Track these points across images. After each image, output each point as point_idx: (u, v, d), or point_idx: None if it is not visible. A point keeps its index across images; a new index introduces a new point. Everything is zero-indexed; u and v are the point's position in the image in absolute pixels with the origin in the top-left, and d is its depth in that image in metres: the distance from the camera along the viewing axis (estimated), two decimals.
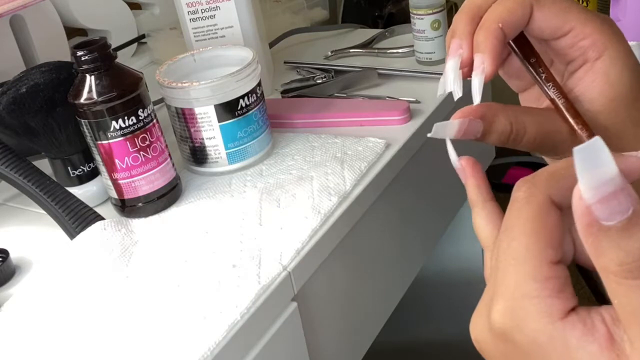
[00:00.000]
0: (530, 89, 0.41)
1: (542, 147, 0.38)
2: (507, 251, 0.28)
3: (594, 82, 0.36)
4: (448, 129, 0.35)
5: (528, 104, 0.41)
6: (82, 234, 0.58)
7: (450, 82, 0.36)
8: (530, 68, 0.37)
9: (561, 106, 0.36)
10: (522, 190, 0.28)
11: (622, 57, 0.35)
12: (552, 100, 0.37)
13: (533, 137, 0.36)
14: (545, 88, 0.37)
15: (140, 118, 0.58)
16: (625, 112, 0.36)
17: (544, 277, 0.27)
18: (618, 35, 0.36)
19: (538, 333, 0.26)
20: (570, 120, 0.36)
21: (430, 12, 0.81)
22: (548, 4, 0.35)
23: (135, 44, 1.02)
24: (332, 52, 0.91)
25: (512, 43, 0.37)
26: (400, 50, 0.89)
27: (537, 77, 0.37)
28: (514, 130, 0.36)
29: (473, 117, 0.35)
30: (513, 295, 0.27)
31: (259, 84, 0.65)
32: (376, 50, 0.91)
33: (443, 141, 0.38)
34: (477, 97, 0.35)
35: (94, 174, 0.65)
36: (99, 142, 0.58)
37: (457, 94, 0.36)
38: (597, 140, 0.23)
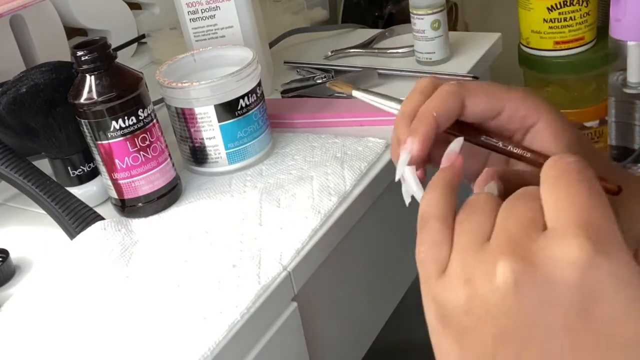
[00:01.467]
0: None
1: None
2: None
3: (544, 139, 0.39)
4: None
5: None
6: (82, 234, 0.58)
7: (414, 187, 0.39)
8: (485, 142, 0.40)
9: (532, 157, 0.38)
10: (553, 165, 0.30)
11: (554, 112, 0.39)
12: (520, 158, 0.39)
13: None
14: (509, 150, 0.39)
15: (140, 118, 0.58)
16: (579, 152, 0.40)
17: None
18: (540, 99, 0.40)
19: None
20: (534, 158, 0.38)
21: (430, 12, 0.81)
22: (476, 92, 0.39)
23: (135, 44, 1.02)
24: (332, 52, 0.91)
25: (455, 133, 0.40)
26: (400, 50, 0.89)
27: (496, 146, 0.40)
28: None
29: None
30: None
31: (259, 84, 0.65)
32: (376, 50, 0.91)
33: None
34: (400, 170, 0.39)
35: (94, 174, 0.65)
36: (99, 142, 0.58)
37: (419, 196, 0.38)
38: None
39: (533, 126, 0.39)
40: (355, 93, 0.48)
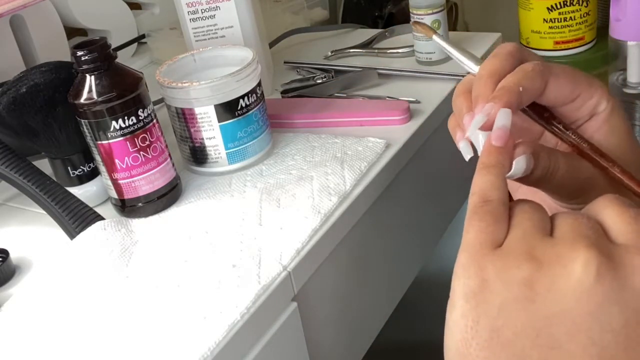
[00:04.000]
0: None
1: (565, 188, 0.39)
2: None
3: (599, 130, 0.39)
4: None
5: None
6: (82, 234, 0.58)
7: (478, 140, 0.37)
8: (546, 123, 0.40)
9: (586, 150, 0.39)
10: None
11: (617, 108, 0.40)
12: (575, 146, 0.39)
13: (563, 174, 0.38)
14: (566, 135, 0.39)
15: (140, 118, 0.58)
16: (629, 153, 0.40)
17: None
18: (607, 91, 0.40)
19: None
20: (599, 159, 0.38)
21: (430, 12, 0.81)
22: (561, 75, 0.38)
23: (135, 44, 1.02)
24: (332, 52, 0.91)
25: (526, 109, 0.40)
26: (400, 50, 0.89)
27: (556, 127, 0.39)
28: (552, 165, 0.37)
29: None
30: None
31: (259, 84, 0.65)
32: (376, 50, 0.91)
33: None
34: (472, 130, 0.37)
35: (94, 174, 0.65)
36: (99, 142, 0.58)
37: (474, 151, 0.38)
38: None
39: (595, 115, 0.39)
40: (435, 38, 0.47)
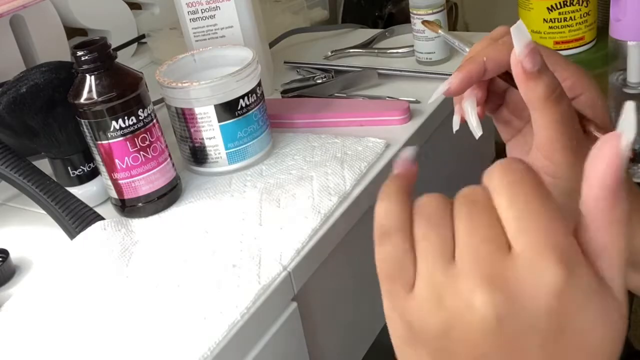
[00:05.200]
0: (517, 136, 0.46)
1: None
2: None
3: (583, 113, 0.41)
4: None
5: (515, 152, 0.46)
6: (82, 234, 0.58)
7: (472, 119, 0.42)
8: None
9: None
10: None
11: (599, 92, 0.41)
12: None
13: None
14: None
15: (140, 118, 0.58)
16: None
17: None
18: (591, 78, 0.42)
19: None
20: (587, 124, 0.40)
21: (430, 12, 0.81)
22: None
23: (135, 44, 1.02)
24: (332, 52, 0.91)
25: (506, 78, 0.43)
26: (400, 50, 0.89)
27: None
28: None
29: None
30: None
31: (259, 84, 0.65)
32: (376, 50, 0.91)
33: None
34: (435, 95, 0.43)
35: (94, 174, 0.65)
36: (99, 142, 0.58)
37: (478, 132, 0.42)
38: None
39: (575, 98, 0.41)
40: (441, 32, 0.55)
